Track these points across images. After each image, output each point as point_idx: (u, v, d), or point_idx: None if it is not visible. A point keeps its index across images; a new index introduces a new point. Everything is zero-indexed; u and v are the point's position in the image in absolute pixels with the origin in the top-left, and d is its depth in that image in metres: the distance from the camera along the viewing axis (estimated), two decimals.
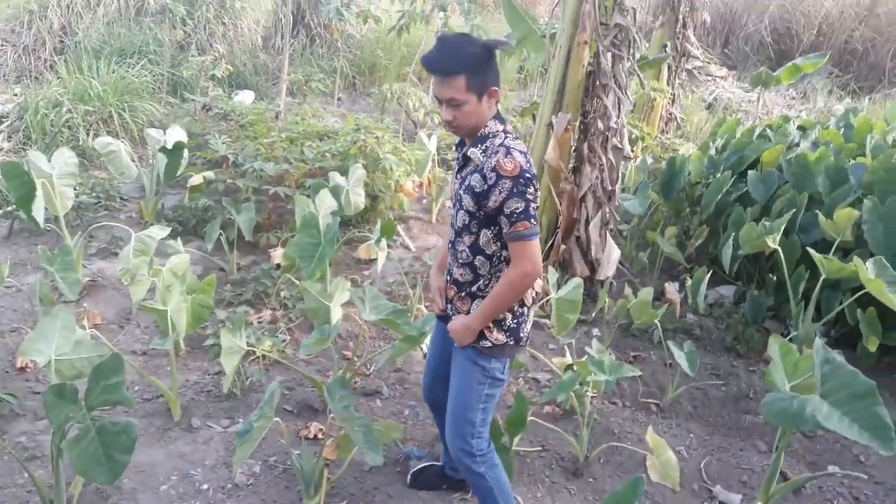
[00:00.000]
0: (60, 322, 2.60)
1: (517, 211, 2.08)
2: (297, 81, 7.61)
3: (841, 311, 3.92)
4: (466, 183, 2.15)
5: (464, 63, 2.02)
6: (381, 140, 5.48)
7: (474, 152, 2.14)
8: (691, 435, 3.53)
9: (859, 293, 3.66)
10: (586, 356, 3.27)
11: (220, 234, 4.48)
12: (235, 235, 4.62)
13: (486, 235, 2.18)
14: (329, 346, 3.15)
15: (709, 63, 11.10)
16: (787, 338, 4.04)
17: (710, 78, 10.92)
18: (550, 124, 4.18)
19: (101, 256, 4.65)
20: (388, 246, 4.45)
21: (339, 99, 8.78)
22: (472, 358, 2.29)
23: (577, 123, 4.28)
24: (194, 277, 3.64)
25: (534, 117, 4.53)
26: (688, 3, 7.42)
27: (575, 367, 3.17)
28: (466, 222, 2.19)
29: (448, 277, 2.35)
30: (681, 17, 7.36)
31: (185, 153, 4.83)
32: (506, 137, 2.14)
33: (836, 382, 2.58)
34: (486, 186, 2.09)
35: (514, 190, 2.05)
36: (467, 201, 2.15)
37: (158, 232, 3.91)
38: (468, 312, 2.28)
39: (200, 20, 8.17)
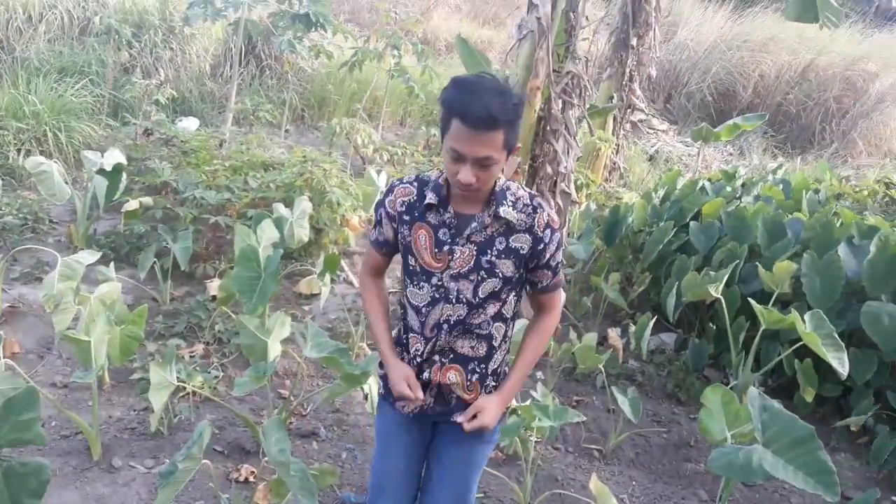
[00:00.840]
0: None
1: (560, 261, 1.99)
2: (244, 111, 7.47)
3: (779, 362, 3.98)
4: (502, 247, 1.87)
5: (505, 116, 1.70)
6: (328, 173, 5.39)
7: (509, 212, 1.85)
8: (634, 483, 3.49)
9: (797, 345, 3.72)
10: (530, 400, 3.22)
11: (155, 263, 4.29)
12: (170, 265, 4.43)
13: (513, 299, 1.96)
14: (265, 384, 3.01)
15: (652, 117, 11.47)
16: (729, 386, 4.06)
17: (652, 131, 11.27)
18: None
19: (23, 281, 4.38)
20: (332, 281, 4.33)
21: (286, 131, 8.67)
22: (486, 437, 2.07)
23: (527, 167, 4.30)
24: (124, 307, 3.46)
25: None
26: (635, 58, 7.64)
27: (519, 412, 3.10)
28: (497, 289, 1.90)
29: (436, 359, 1.96)
30: (628, 70, 7.56)
31: (124, 177, 4.64)
32: (518, 188, 1.91)
33: (776, 429, 2.58)
34: (540, 246, 1.89)
35: (560, 241, 1.96)
36: (506, 267, 1.88)
37: (87, 257, 3.70)
38: (478, 394, 2.00)
39: (147, 43, 7.98)
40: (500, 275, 1.89)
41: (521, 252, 1.89)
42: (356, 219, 5.51)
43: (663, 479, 3.57)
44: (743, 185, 5.70)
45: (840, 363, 3.45)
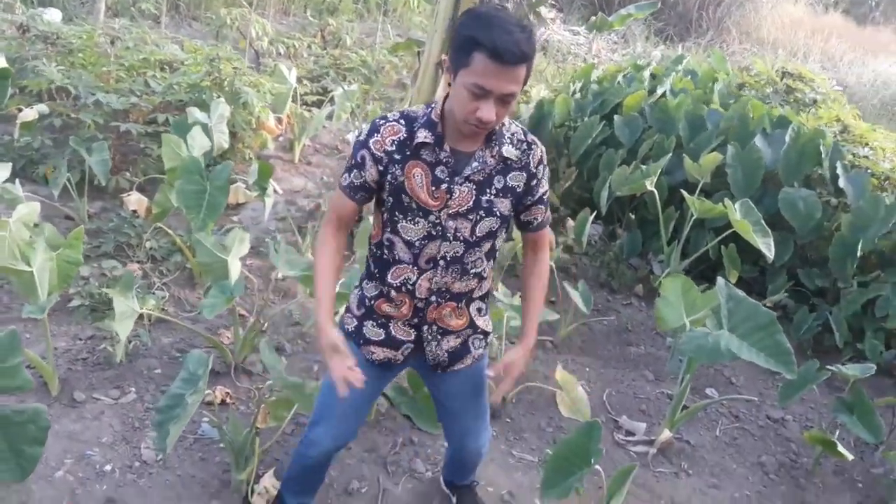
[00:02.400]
0: None
1: (547, 194, 1.95)
2: (121, 1, 6.70)
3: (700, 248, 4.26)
4: (500, 185, 1.82)
5: (532, 50, 1.63)
6: (239, 72, 5.02)
7: (511, 150, 1.81)
8: (587, 369, 3.70)
9: (726, 232, 3.97)
10: (497, 302, 3.28)
11: (67, 179, 3.89)
12: (82, 179, 4.04)
13: (503, 235, 1.93)
14: (232, 304, 2.89)
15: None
16: (663, 274, 4.32)
17: (542, 20, 11.21)
18: (440, 63, 4.04)
19: None
20: (264, 189, 4.11)
21: (163, 24, 7.91)
22: (484, 367, 2.09)
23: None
24: (54, 230, 3.14)
25: (419, 56, 4.36)
26: None
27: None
28: (494, 229, 1.85)
29: (428, 296, 1.90)
30: None
31: (9, 82, 4.10)
32: (511, 123, 1.85)
33: (740, 316, 2.79)
34: (533, 182, 1.86)
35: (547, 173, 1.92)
36: (503, 205, 1.84)
37: None
38: (467, 325, 1.98)
39: None
40: (498, 213, 1.84)
41: (518, 190, 1.86)
42: (272, 120, 5.21)
43: (611, 364, 3.81)
44: (653, 77, 5.85)
45: (767, 247, 3.73)
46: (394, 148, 1.77)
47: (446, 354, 1.99)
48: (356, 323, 1.99)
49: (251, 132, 5.06)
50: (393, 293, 1.90)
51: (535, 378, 3.47)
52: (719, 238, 4.08)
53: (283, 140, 5.72)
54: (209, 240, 3.04)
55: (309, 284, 2.84)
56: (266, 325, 3.48)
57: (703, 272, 4.53)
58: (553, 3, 12.91)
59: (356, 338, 1.98)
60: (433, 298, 1.90)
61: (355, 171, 1.82)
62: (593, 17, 8.70)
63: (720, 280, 2.81)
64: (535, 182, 1.87)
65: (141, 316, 3.21)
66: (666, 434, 3.11)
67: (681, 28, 12.52)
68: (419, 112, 1.81)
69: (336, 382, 1.79)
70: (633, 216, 4.94)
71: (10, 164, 3.40)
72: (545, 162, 1.89)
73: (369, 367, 1.97)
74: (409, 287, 1.88)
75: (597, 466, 2.15)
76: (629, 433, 3.23)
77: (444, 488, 2.61)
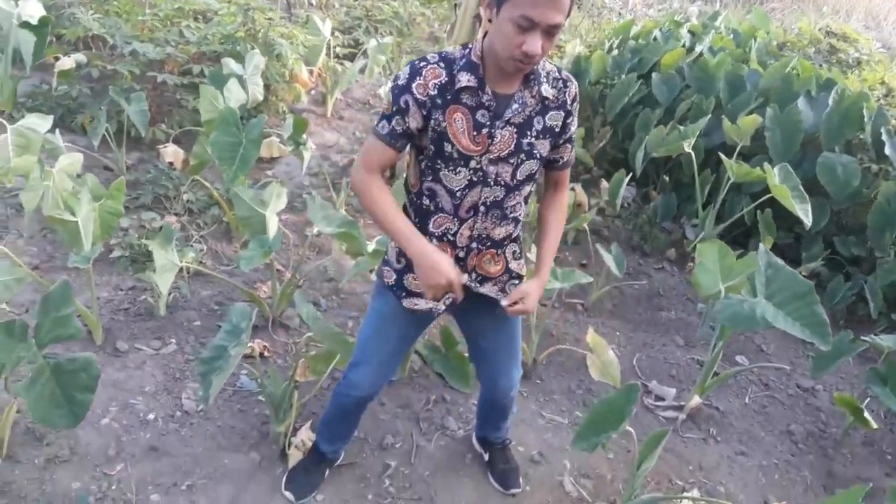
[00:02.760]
0: None
1: (576, 132, 1.94)
2: None
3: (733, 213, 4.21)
4: (540, 126, 1.80)
5: None
6: (273, 22, 4.98)
7: (548, 90, 1.79)
8: (617, 333, 3.71)
9: (764, 197, 3.91)
10: (531, 264, 3.28)
11: (107, 129, 3.91)
12: (118, 130, 4.07)
13: (540, 176, 1.93)
14: (270, 258, 2.92)
15: None
16: (697, 239, 4.29)
17: None
18: (478, 16, 3.97)
19: None
20: (299, 144, 4.11)
21: None
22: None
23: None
24: (96, 180, 3.17)
25: (455, 8, 4.28)
26: None
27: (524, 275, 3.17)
28: (534, 171, 1.85)
29: (469, 244, 1.90)
30: None
31: (48, 31, 4.11)
32: (545, 61, 1.80)
33: (778, 285, 2.76)
34: (569, 119, 1.85)
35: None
36: (543, 147, 1.83)
37: (41, 123, 3.32)
38: (503, 270, 1.99)
39: None
40: (538, 155, 1.83)
41: (556, 130, 1.84)
42: (305, 73, 5.18)
43: (642, 328, 3.82)
44: (692, 34, 5.71)
45: (805, 213, 3.67)
46: (436, 92, 1.72)
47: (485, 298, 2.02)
48: (395, 276, 2.00)
49: (284, 85, 5.04)
50: (434, 242, 1.89)
51: (566, 340, 3.49)
52: (756, 203, 4.02)
53: (315, 93, 5.69)
54: (248, 193, 3.07)
55: (346, 241, 2.86)
56: (302, 280, 3.52)
57: (737, 237, 4.48)
58: None
59: (397, 290, 2.01)
60: (473, 245, 1.91)
61: (397, 117, 1.76)
62: None
63: (761, 247, 2.77)
64: (570, 119, 1.86)
65: (180, 268, 3.28)
66: (696, 400, 3.13)
67: None
68: (456, 54, 1.76)
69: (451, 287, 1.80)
70: (667, 178, 4.88)
71: (51, 116, 3.42)
72: (578, 98, 1.88)
73: (409, 316, 2.03)
74: (451, 237, 1.89)
75: (629, 428, 2.17)
76: (659, 398, 3.25)
77: (476, 446, 2.67)
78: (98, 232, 3.04)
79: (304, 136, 3.93)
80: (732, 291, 3.01)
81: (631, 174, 4.39)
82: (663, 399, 3.24)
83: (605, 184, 4.50)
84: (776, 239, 4.23)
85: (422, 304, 2.00)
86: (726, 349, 3.71)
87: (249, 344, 2.99)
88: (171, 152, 4.17)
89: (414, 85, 1.72)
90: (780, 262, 2.77)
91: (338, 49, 6.19)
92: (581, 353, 3.22)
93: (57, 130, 3.56)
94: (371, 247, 2.82)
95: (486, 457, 2.61)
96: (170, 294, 3.14)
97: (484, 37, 1.74)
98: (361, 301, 3.47)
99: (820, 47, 5.54)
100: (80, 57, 4.21)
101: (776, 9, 11.13)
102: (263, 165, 4.53)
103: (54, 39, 4.67)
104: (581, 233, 4.39)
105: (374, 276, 3.18)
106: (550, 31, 1.61)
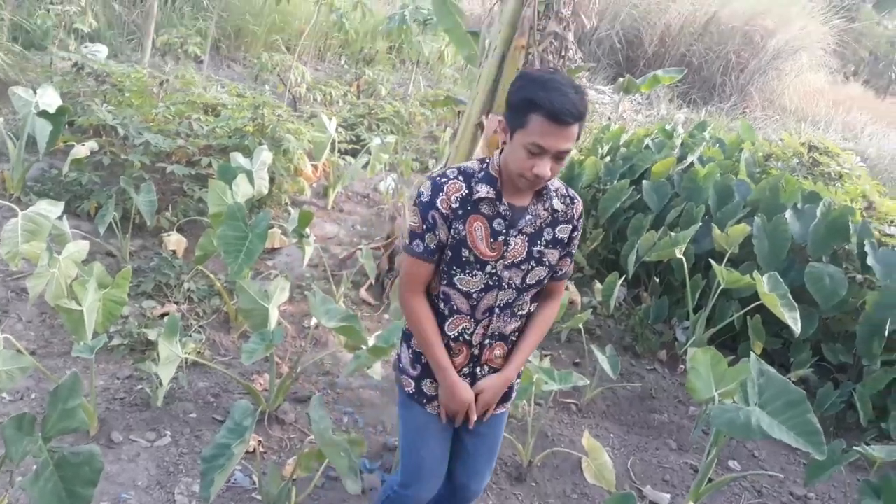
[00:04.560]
0: None
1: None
2: (170, 43, 6.93)
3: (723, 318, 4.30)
4: (549, 237, 1.94)
5: (585, 109, 1.75)
6: (281, 119, 5.17)
7: (558, 204, 1.93)
8: (611, 435, 3.71)
9: (754, 304, 4.01)
10: (529, 364, 3.32)
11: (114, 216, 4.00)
12: (128, 218, 4.15)
13: (546, 282, 2.03)
14: (271, 352, 2.95)
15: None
16: (688, 342, 4.35)
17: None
18: (480, 124, 4.16)
19: None
20: (303, 237, 4.20)
21: (202, 62, 8.16)
22: (504, 412, 2.21)
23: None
24: (102, 269, 3.23)
25: (459, 115, 4.49)
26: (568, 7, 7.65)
27: (520, 377, 3.21)
28: (542, 277, 1.97)
29: (483, 341, 2.00)
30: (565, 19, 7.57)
31: (64, 119, 4.26)
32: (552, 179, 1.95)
33: (771, 393, 2.81)
34: (574, 233, 1.99)
35: None
36: (552, 256, 1.96)
37: (51, 209, 3.40)
38: (504, 356, 2.07)
39: None
40: (548, 263, 1.96)
41: (564, 241, 1.98)
42: (309, 168, 5.34)
43: (635, 431, 3.82)
44: (682, 145, 5.95)
45: (794, 321, 3.77)
46: (458, 204, 1.86)
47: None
48: (414, 384, 2.07)
49: (289, 178, 5.19)
50: (451, 343, 1.99)
51: (561, 442, 3.49)
52: (745, 309, 4.12)
53: (316, 187, 5.84)
54: (253, 287, 3.12)
55: (347, 335, 2.90)
56: (297, 372, 3.53)
57: (726, 342, 4.55)
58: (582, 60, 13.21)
59: (418, 398, 2.07)
60: (486, 342, 2.01)
61: (429, 234, 1.88)
62: (621, 79, 8.93)
63: (752, 356, 2.84)
64: (575, 234, 2.00)
65: (183, 360, 3.30)
66: None
67: (704, 92, 12.71)
68: (474, 167, 1.91)
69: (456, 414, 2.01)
70: (658, 281, 4.99)
71: (62, 203, 3.50)
72: (583, 216, 2.02)
73: (438, 419, 2.08)
74: (467, 336, 1.99)
75: None
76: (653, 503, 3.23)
77: None
78: (101, 321, 3.07)
79: (308, 228, 4.03)
80: (725, 397, 3.06)
81: (623, 276, 4.49)
82: None
83: (598, 284, 4.60)
84: (765, 344, 4.30)
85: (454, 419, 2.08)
86: (719, 454, 3.71)
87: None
88: (175, 241, 4.25)
89: (438, 201, 1.86)
90: (772, 370, 2.83)
91: (340, 144, 6.40)
92: (576, 455, 3.22)
93: (65, 216, 3.64)
94: (371, 342, 2.86)
95: None
96: (168, 385, 3.13)
97: (500, 152, 1.88)
98: (356, 396, 3.47)
99: (803, 160, 5.79)
100: (94, 145, 4.34)
101: (758, 118, 11.63)
102: (264, 256, 4.61)
103: (67, 127, 4.82)
104: (575, 332, 4.45)
105: (370, 373, 3.22)
106: (559, 156, 1.77)
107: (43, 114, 4.13)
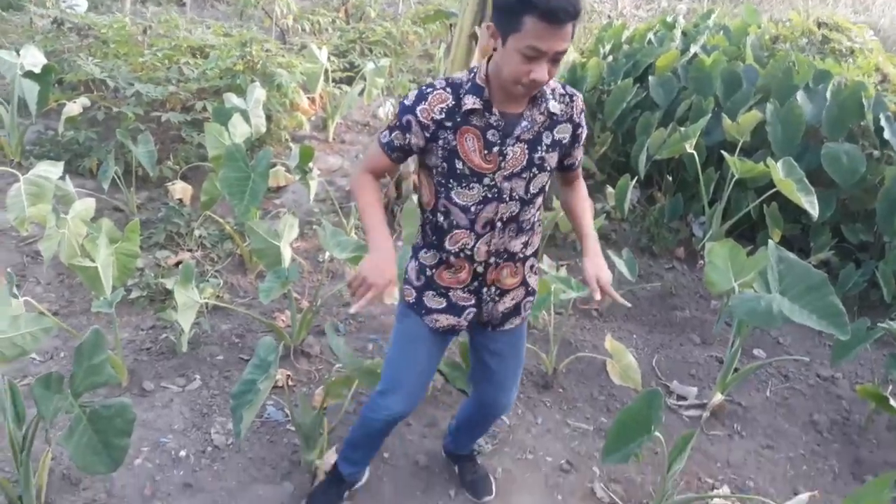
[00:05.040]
0: None
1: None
2: None
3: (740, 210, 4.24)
4: (549, 141, 1.86)
5: (581, 4, 1.63)
6: (271, 54, 5.04)
7: (555, 105, 1.84)
8: (634, 336, 3.74)
9: (769, 192, 3.94)
10: (543, 275, 3.31)
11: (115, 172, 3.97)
12: (130, 171, 4.12)
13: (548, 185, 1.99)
14: (288, 289, 2.96)
15: None
16: (705, 237, 4.31)
17: None
18: (473, 35, 4.02)
19: None
20: (306, 172, 4.16)
21: (183, 4, 7.94)
22: (525, 328, 2.20)
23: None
24: (111, 224, 3.22)
25: (450, 28, 4.34)
26: None
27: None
28: (544, 183, 1.91)
29: (487, 259, 1.93)
30: None
31: (51, 79, 4.18)
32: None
33: (791, 279, 2.79)
34: (578, 130, 1.91)
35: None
36: (553, 159, 1.89)
37: (52, 170, 3.37)
38: (520, 283, 2.03)
39: None
40: (549, 168, 1.90)
41: (564, 142, 1.90)
42: (305, 101, 5.24)
43: (658, 329, 3.84)
44: (684, 35, 5.75)
45: (811, 205, 3.70)
46: (443, 116, 1.78)
47: (500, 314, 2.06)
48: (416, 294, 2.04)
49: (286, 114, 5.10)
50: (452, 259, 1.94)
51: (584, 347, 3.52)
52: (761, 198, 4.05)
53: (316, 119, 5.75)
54: (262, 226, 3.11)
55: (358, 264, 2.89)
56: (318, 305, 3.56)
57: (744, 232, 4.51)
58: None
59: (417, 308, 2.04)
60: (492, 260, 1.94)
61: (397, 131, 1.84)
62: None
63: (771, 243, 2.80)
64: (579, 130, 1.93)
65: (203, 305, 3.32)
66: (718, 397, 3.14)
67: None
68: (462, 77, 1.82)
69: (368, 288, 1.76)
70: (671, 179, 4.92)
71: (62, 162, 3.47)
72: (584, 109, 1.94)
73: (432, 333, 2.06)
74: (468, 252, 1.92)
75: (657, 434, 2.20)
76: (681, 398, 3.27)
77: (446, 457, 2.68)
78: (117, 275, 3.08)
79: (310, 163, 3.98)
80: (745, 288, 3.04)
81: (635, 177, 4.42)
82: (685, 398, 3.26)
83: (609, 189, 4.54)
84: (784, 231, 4.26)
85: (443, 321, 2.03)
86: (744, 344, 3.73)
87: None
88: (180, 189, 4.23)
89: (418, 108, 1.79)
90: (792, 255, 2.80)
91: (334, 73, 6.26)
92: (601, 359, 3.25)
93: (67, 176, 3.61)
94: None
95: (457, 469, 2.63)
96: (191, 330, 3.17)
97: (488, 60, 1.79)
98: (379, 324, 3.50)
99: (812, 38, 5.58)
100: (85, 101, 4.28)
101: (764, 1, 11.19)
102: (271, 195, 4.59)
103: (57, 85, 4.74)
104: None
105: (385, 297, 3.23)
106: (556, 58, 1.67)
107: (28, 74, 4.05)
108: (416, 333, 2.08)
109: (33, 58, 4.20)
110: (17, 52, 4.32)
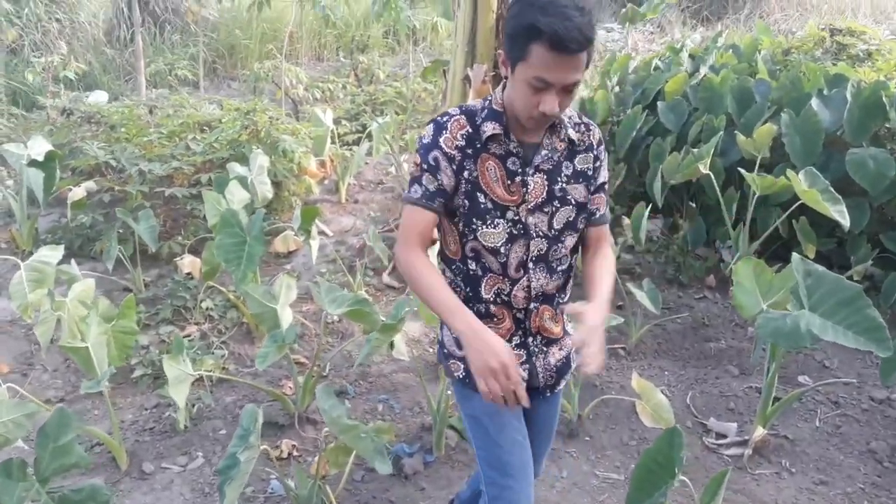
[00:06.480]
0: None
1: (607, 182, 1.83)
2: (158, 73, 6.91)
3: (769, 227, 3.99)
4: (570, 171, 1.72)
5: (593, 33, 1.51)
6: (274, 121, 5.05)
7: (573, 133, 1.72)
8: (665, 373, 3.49)
9: (794, 206, 3.71)
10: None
11: (119, 250, 3.94)
12: (134, 249, 4.10)
13: (582, 225, 1.78)
14: (286, 352, 2.83)
15: None
16: (734, 260, 4.08)
17: None
18: (466, 77, 3.95)
19: None
20: (311, 233, 4.08)
21: (203, 88, 8.13)
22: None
23: (493, 74, 4.07)
24: (106, 303, 3.16)
25: (444, 74, 4.28)
26: None
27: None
28: (572, 218, 1.73)
29: (527, 305, 1.73)
30: None
31: (57, 165, 4.22)
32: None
33: (822, 293, 2.56)
34: (597, 164, 1.76)
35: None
36: (577, 192, 1.72)
37: (52, 255, 3.35)
38: (563, 331, 1.82)
39: (30, 18, 7.24)
40: (574, 201, 1.72)
41: (588, 173, 1.75)
42: (313, 164, 5.22)
43: (691, 363, 3.59)
44: (692, 58, 5.61)
45: (841, 215, 3.45)
46: (464, 142, 1.66)
47: (555, 369, 1.83)
48: (463, 366, 1.79)
49: (294, 179, 5.07)
50: (492, 308, 1.74)
51: (611, 389, 3.29)
52: (787, 213, 3.82)
53: (328, 183, 5.73)
54: (258, 290, 3.00)
55: (358, 319, 2.76)
56: (328, 369, 3.42)
57: (777, 251, 4.25)
58: None
59: (471, 382, 1.68)
60: (531, 305, 1.74)
61: (428, 175, 1.65)
62: (624, 10, 8.56)
63: (795, 256, 2.59)
64: (598, 164, 1.78)
65: (201, 378, 3.22)
66: (760, 431, 2.87)
67: (717, 6, 12.09)
68: (477, 105, 1.71)
69: (496, 398, 1.50)
70: (692, 204, 4.70)
71: (62, 246, 3.45)
72: (604, 143, 1.80)
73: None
74: (505, 297, 1.73)
75: (682, 477, 1.96)
76: (720, 435, 3.00)
77: None
78: (115, 353, 2.99)
79: (313, 224, 3.90)
80: (777, 308, 2.80)
81: (653, 206, 4.23)
82: (725, 436, 2.99)
83: (628, 221, 4.34)
84: (818, 246, 3.99)
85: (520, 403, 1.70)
86: (786, 371, 3.45)
87: (276, 445, 2.88)
88: (188, 263, 4.17)
89: (441, 139, 1.65)
90: (820, 268, 2.58)
91: (346, 136, 6.28)
92: (629, 400, 3.01)
93: (73, 260, 3.58)
94: (383, 321, 2.71)
95: None
96: (193, 405, 3.06)
97: (503, 88, 1.68)
98: (390, 383, 3.34)
99: (827, 47, 5.38)
100: (91, 185, 4.31)
101: (777, 20, 11.03)
102: (281, 260, 4.52)
103: (70, 173, 4.80)
104: None
105: (397, 355, 3.07)
106: (568, 89, 1.56)
107: (33, 163, 4.10)
108: (488, 411, 1.78)
109: (39, 147, 4.26)
110: (25, 143, 4.39)
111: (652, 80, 5.11)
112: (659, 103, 4.77)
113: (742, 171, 3.84)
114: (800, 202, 3.58)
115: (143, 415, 3.11)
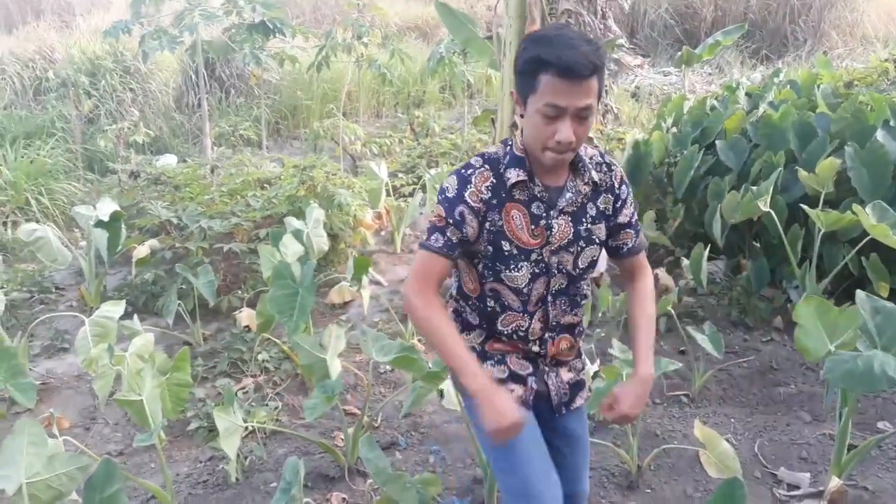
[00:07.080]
0: (27, 436, 2.18)
1: (637, 218, 1.86)
2: (222, 134, 7.20)
3: (837, 265, 3.80)
4: (594, 212, 1.75)
5: (600, 60, 1.55)
6: (330, 175, 5.17)
7: (595, 175, 1.74)
8: (732, 420, 3.31)
9: (862, 242, 3.53)
10: (614, 360, 3.02)
11: (179, 305, 4.05)
12: (194, 304, 4.21)
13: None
14: (336, 403, 2.81)
15: (624, 53, 11.23)
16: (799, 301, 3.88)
17: (627, 68, 11.03)
18: (514, 124, 3.96)
19: (46, 355, 4.14)
20: (359, 282, 4.09)
21: (266, 147, 8.42)
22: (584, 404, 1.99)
23: None
24: (163, 356, 3.23)
25: (493, 122, 4.31)
26: None
27: (603, 374, 2.93)
28: (595, 256, 1.78)
29: (543, 335, 1.80)
30: (599, 7, 7.29)
31: (123, 225, 4.41)
32: (584, 147, 1.75)
33: (894, 330, 2.41)
34: (619, 203, 1.78)
35: (632, 196, 1.85)
36: (600, 231, 1.77)
37: (114, 310, 3.47)
38: (576, 354, 1.90)
39: (106, 89, 7.70)
40: (598, 240, 1.78)
41: (607, 213, 1.79)
42: (369, 216, 5.29)
43: (759, 410, 3.40)
44: (749, 96, 5.50)
45: None
46: (489, 194, 1.68)
47: (568, 387, 1.89)
48: None
49: (349, 231, 5.15)
50: (505, 340, 1.83)
51: (673, 438, 3.14)
52: (856, 249, 3.63)
53: (384, 234, 5.80)
54: (307, 341, 3.02)
55: (405, 367, 2.73)
56: (379, 419, 3.38)
57: (848, 290, 4.01)
58: (636, 47, 12.74)
59: None
60: (547, 336, 1.82)
61: (452, 228, 1.67)
62: (679, 53, 8.49)
63: (860, 292, 2.46)
64: (619, 203, 1.79)
65: (254, 430, 3.23)
66: (835, 482, 2.67)
67: (776, 44, 11.92)
68: (498, 151, 1.74)
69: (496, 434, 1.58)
70: (756, 244, 4.53)
71: (124, 301, 3.57)
72: (626, 182, 1.82)
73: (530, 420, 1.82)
74: (522, 333, 1.80)
75: None
76: (792, 486, 2.81)
77: None
78: (169, 406, 3.04)
79: (365, 274, 3.93)
80: (845, 349, 2.64)
81: (713, 247, 4.09)
82: (798, 487, 2.79)
83: (686, 262, 4.21)
84: (893, 284, 3.77)
85: (518, 389, 1.82)
86: (864, 416, 3.24)
87: (328, 497, 2.84)
88: (246, 316, 4.25)
89: (467, 194, 1.67)
90: (889, 304, 2.44)
91: (402, 188, 6.36)
92: (692, 449, 2.86)
93: (135, 315, 3.69)
94: (429, 369, 2.67)
95: None
96: (245, 458, 3.06)
97: (521, 131, 1.71)
98: (441, 433, 3.27)
99: (892, 78, 5.19)
100: (154, 243, 4.47)
101: (840, 54, 10.76)
102: (337, 311, 4.56)
103: (137, 232, 5.00)
104: (672, 319, 4.07)
105: (446, 405, 3.01)
106: (581, 115, 1.57)
107: (99, 223, 4.28)
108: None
109: (106, 208, 4.46)
110: (95, 206, 4.60)
111: (711, 119, 5.01)
112: (718, 142, 4.67)
113: (805, 207, 3.69)
114: (869, 237, 3.41)
115: (197, 468, 3.12)
